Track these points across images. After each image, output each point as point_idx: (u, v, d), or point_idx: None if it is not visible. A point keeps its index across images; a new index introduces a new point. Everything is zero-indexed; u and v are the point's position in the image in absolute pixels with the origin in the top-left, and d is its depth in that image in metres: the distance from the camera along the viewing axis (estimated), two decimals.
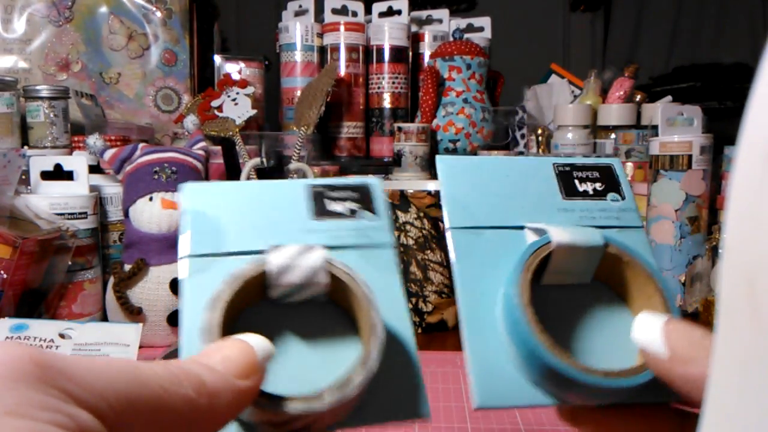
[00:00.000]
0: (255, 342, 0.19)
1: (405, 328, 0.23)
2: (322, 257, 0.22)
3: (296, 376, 0.21)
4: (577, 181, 0.25)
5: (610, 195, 0.26)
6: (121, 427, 0.14)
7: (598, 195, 0.25)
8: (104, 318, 0.63)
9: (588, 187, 0.25)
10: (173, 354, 0.43)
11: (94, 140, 0.66)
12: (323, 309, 0.23)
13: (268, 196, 0.25)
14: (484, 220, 0.24)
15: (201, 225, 0.23)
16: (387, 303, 0.23)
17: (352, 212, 0.25)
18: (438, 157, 0.26)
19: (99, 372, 0.14)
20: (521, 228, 0.24)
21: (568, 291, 0.24)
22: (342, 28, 0.94)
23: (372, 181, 0.26)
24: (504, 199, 0.25)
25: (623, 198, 0.26)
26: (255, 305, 0.23)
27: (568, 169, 0.26)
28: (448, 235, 0.24)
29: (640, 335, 0.20)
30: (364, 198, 0.26)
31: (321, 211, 0.25)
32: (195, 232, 0.23)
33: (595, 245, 0.23)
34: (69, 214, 0.61)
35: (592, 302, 0.24)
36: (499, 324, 0.22)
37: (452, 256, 0.24)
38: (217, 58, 0.95)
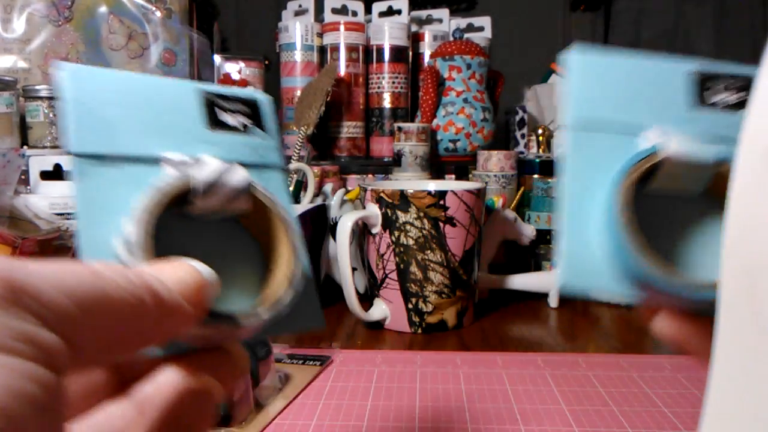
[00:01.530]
0: (203, 269, 0.19)
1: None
2: (246, 179, 0.22)
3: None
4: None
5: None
6: (81, 340, 0.14)
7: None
8: None
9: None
10: None
11: None
12: (229, 226, 0.24)
13: (158, 94, 0.23)
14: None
15: (86, 117, 0.21)
16: None
17: (245, 127, 0.25)
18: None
19: (59, 281, 0.14)
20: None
21: (674, 202, 0.23)
22: (342, 27, 0.94)
23: (261, 96, 0.26)
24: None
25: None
26: (166, 220, 0.22)
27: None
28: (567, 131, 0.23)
29: None
30: (254, 114, 0.25)
31: (214, 121, 0.24)
32: (80, 125, 0.21)
33: (708, 161, 0.22)
34: (68, 214, 0.61)
35: (698, 215, 0.24)
36: (598, 220, 0.22)
37: (567, 155, 0.22)
38: (217, 58, 0.95)
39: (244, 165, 0.23)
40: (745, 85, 0.24)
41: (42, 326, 0.13)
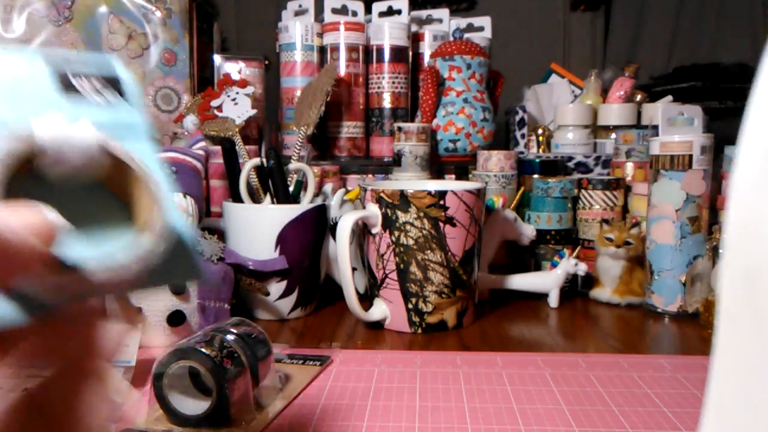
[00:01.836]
0: (50, 213, 0.18)
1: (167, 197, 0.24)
2: (97, 135, 0.21)
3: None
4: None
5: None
6: None
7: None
8: None
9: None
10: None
11: None
12: (92, 191, 0.23)
13: (5, 66, 0.22)
14: None
15: None
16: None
17: (98, 91, 0.24)
18: None
19: None
20: None
21: None
22: (342, 27, 0.94)
23: (113, 60, 0.25)
24: None
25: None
26: (23, 188, 0.20)
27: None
28: None
29: None
30: (109, 81, 0.24)
31: (67, 85, 0.23)
32: None
33: None
34: None
35: None
36: None
37: None
38: (217, 58, 0.95)
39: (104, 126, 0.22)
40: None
41: None
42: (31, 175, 0.20)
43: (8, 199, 0.19)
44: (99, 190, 0.23)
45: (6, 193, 0.19)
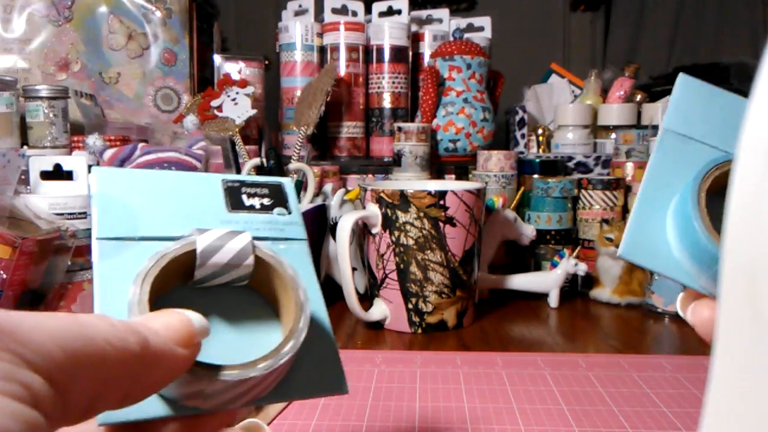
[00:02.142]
0: (191, 315, 0.19)
1: (321, 311, 0.25)
2: (249, 240, 0.23)
3: (219, 357, 0.22)
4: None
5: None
6: (68, 385, 0.14)
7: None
8: None
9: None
10: None
11: (93, 140, 0.66)
12: (243, 294, 0.24)
13: (182, 187, 0.25)
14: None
15: (111, 208, 0.23)
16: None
17: (265, 207, 0.26)
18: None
19: (47, 329, 0.14)
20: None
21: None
22: (342, 27, 0.94)
23: (284, 180, 0.27)
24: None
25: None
26: (175, 289, 0.23)
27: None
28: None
29: None
30: (277, 196, 0.27)
31: (236, 205, 0.25)
32: (104, 213, 0.23)
33: None
34: (68, 214, 0.60)
35: None
36: (671, 212, 0.25)
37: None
38: (217, 58, 0.95)
39: (264, 239, 0.25)
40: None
41: (26, 368, 0.13)
42: (186, 278, 0.23)
43: (162, 293, 0.22)
44: (249, 296, 0.24)
45: (157, 286, 0.21)
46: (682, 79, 0.27)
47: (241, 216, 0.25)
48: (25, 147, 0.74)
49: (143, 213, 0.23)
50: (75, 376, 0.14)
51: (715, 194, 0.25)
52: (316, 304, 0.25)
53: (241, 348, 0.23)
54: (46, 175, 0.63)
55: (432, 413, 0.44)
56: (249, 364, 0.20)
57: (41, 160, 0.63)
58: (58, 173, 0.63)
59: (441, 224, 0.61)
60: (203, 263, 0.22)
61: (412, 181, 0.79)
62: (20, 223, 0.57)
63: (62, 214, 0.60)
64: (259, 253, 0.23)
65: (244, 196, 0.26)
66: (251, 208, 0.26)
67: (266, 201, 0.26)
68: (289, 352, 0.21)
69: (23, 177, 0.62)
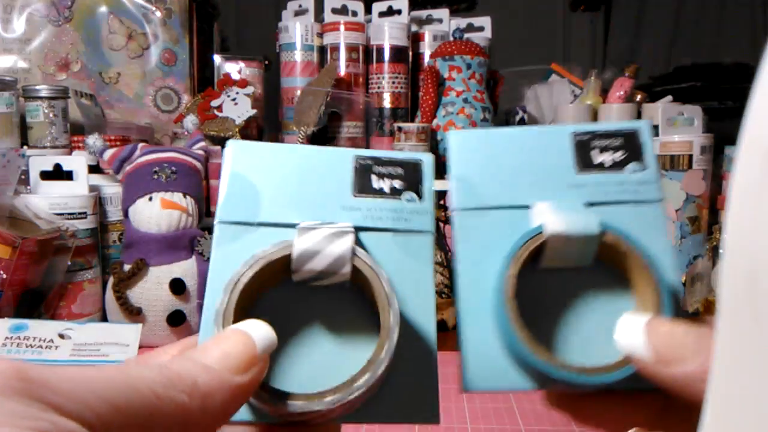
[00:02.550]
0: (256, 332, 0.19)
1: (429, 325, 0.23)
2: (349, 246, 0.21)
3: (312, 363, 0.21)
4: (595, 152, 0.24)
5: (631, 166, 0.23)
6: None
7: (617, 166, 0.23)
8: (104, 318, 0.63)
9: (607, 157, 0.24)
10: None
11: (93, 140, 0.66)
12: (348, 295, 0.23)
13: (312, 164, 0.24)
14: (490, 200, 0.23)
15: (237, 190, 0.23)
16: (414, 297, 0.23)
17: (395, 191, 0.23)
18: (451, 132, 0.24)
19: (84, 381, 0.14)
20: (527, 207, 0.23)
21: (568, 275, 0.23)
22: (342, 27, 0.94)
23: (425, 157, 0.24)
24: (513, 175, 0.24)
25: (645, 168, 0.23)
26: (279, 285, 0.22)
27: (587, 137, 0.24)
28: (453, 216, 0.23)
29: (622, 338, 0.20)
30: (411, 176, 0.24)
31: (363, 188, 0.23)
32: (230, 196, 0.23)
33: (590, 234, 0.22)
34: (68, 214, 0.61)
35: (592, 287, 0.23)
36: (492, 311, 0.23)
37: (455, 237, 0.23)
38: (217, 58, 0.95)
39: (384, 230, 0.23)
40: (620, 144, 0.24)
41: (55, 413, 0.13)
42: (283, 273, 0.22)
43: (253, 296, 0.21)
44: (354, 297, 0.23)
45: (247, 291, 0.20)
46: (454, 138, 0.24)
47: (365, 202, 0.23)
48: (25, 147, 0.74)
49: (267, 195, 0.23)
50: (118, 426, 0.14)
51: (539, 273, 0.23)
52: (423, 315, 0.23)
53: (336, 354, 0.22)
54: (46, 175, 0.63)
55: None
56: (316, 395, 0.19)
57: (41, 160, 0.63)
58: (58, 173, 0.63)
59: (441, 224, 0.61)
60: (298, 269, 0.21)
61: None
62: (20, 223, 0.57)
63: (62, 214, 0.60)
64: (357, 262, 0.21)
65: (374, 177, 0.23)
66: (379, 192, 0.23)
67: (397, 183, 0.23)
68: (361, 387, 0.19)
69: (23, 177, 0.62)
